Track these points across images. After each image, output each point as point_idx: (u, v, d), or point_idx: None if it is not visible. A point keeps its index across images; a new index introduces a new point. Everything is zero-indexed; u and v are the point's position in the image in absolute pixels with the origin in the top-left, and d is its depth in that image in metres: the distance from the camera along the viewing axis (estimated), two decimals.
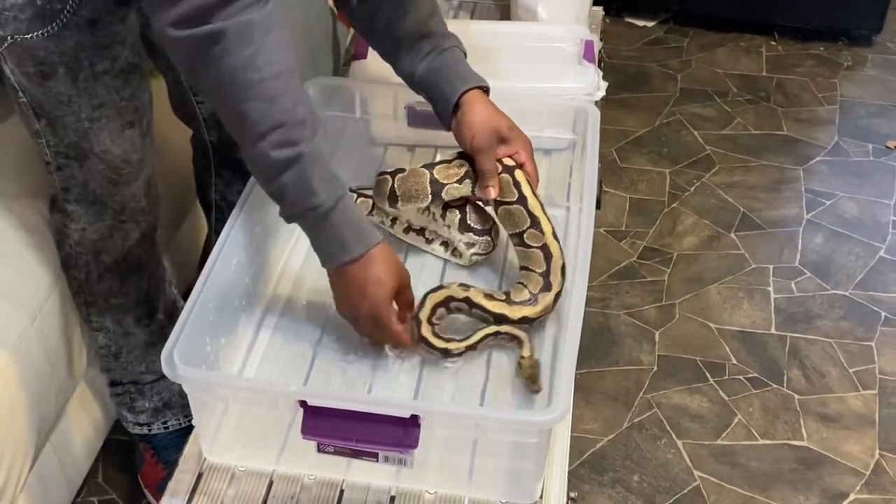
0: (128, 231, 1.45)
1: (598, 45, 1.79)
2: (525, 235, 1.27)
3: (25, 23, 1.19)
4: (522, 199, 1.27)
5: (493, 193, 1.27)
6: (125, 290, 1.51)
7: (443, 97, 1.30)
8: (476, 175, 1.29)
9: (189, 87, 1.55)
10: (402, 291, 1.18)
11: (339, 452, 1.04)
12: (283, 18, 1.07)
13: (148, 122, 1.40)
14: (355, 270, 1.13)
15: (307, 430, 1.02)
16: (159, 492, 1.11)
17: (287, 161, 1.07)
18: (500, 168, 1.28)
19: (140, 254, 1.49)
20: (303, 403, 1.02)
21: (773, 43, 3.07)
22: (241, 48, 1.03)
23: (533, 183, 1.30)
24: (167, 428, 1.65)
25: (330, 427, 1.02)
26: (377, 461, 1.04)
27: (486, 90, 1.31)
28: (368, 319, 1.15)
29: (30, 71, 1.25)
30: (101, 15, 1.22)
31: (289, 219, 1.13)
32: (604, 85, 1.64)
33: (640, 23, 3.16)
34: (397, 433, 1.01)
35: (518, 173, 1.28)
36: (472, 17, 2.10)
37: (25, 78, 1.26)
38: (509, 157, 1.29)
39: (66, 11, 1.20)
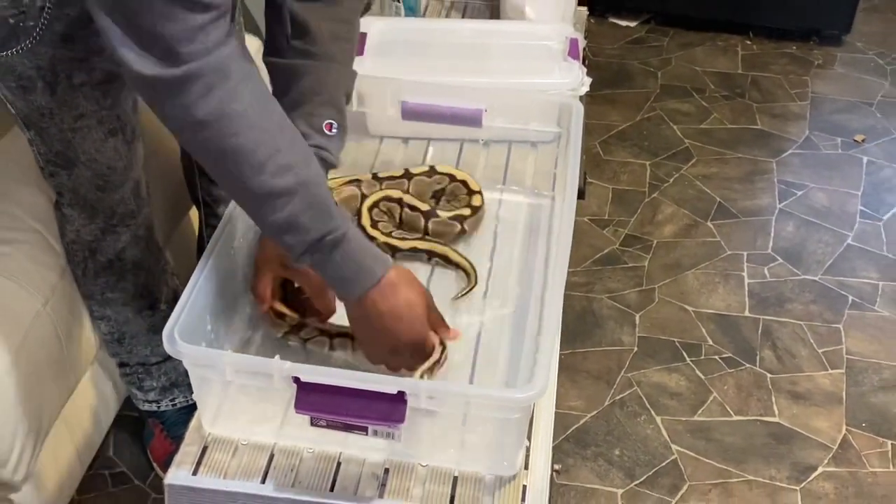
0: (119, 233, 1.44)
1: (582, 44, 1.79)
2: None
3: (0, 40, 1.18)
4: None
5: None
6: (122, 286, 1.50)
7: None
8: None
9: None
10: (431, 310, 1.09)
11: (331, 426, 1.04)
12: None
13: (133, 129, 1.36)
14: (384, 294, 1.04)
15: (300, 405, 1.02)
16: (167, 465, 1.11)
17: (292, 187, 0.99)
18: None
19: (135, 253, 1.48)
20: (296, 380, 1.02)
21: (749, 42, 3.07)
22: (223, 83, 0.95)
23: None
24: (175, 405, 1.65)
25: (322, 402, 1.02)
26: (367, 434, 1.04)
27: None
28: (408, 347, 1.07)
29: (11, 85, 1.24)
30: (75, 29, 1.18)
31: (304, 252, 1.02)
32: (588, 81, 1.64)
33: (623, 22, 3.16)
34: (385, 408, 1.00)
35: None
36: (463, 16, 2.10)
37: (9, 92, 1.25)
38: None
39: (38, 28, 1.17)
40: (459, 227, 1.34)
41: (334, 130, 1.16)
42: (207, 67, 0.94)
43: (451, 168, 1.42)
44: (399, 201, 1.36)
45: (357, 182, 1.38)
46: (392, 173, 1.41)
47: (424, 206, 1.35)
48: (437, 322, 1.10)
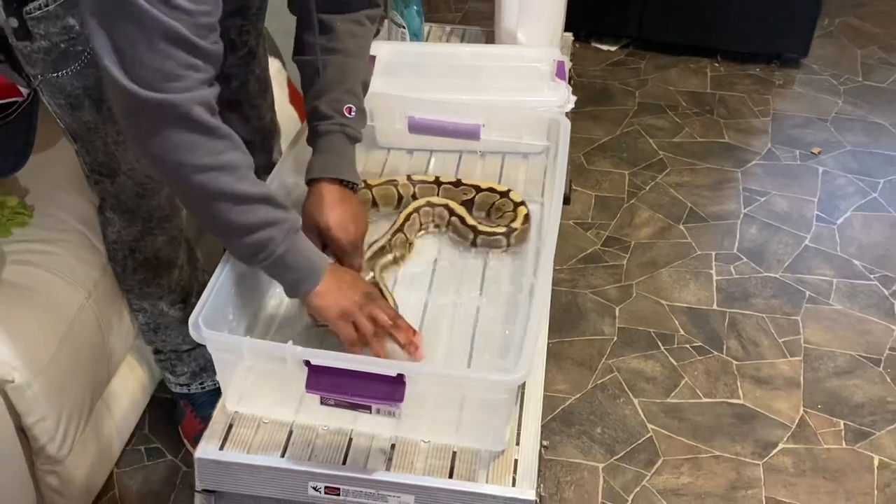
0: (156, 235, 1.44)
1: (568, 66, 1.79)
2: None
3: (52, 63, 1.19)
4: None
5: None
6: (158, 282, 1.50)
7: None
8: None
9: None
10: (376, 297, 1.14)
11: (338, 405, 1.04)
12: None
13: None
14: (336, 271, 1.10)
15: (310, 386, 1.02)
16: (196, 441, 1.11)
17: (265, 194, 1.03)
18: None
19: (169, 252, 1.48)
20: (307, 363, 1.02)
21: (717, 64, 3.07)
22: (209, 114, 0.98)
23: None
24: (203, 388, 1.65)
25: (330, 383, 1.02)
26: (370, 413, 1.04)
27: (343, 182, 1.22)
28: (371, 293, 1.11)
29: (61, 102, 1.24)
30: None
31: (278, 243, 1.05)
32: (573, 99, 1.64)
33: (604, 47, 3.16)
34: (386, 389, 1.01)
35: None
36: (462, 41, 2.10)
37: (59, 108, 1.26)
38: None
39: (86, 53, 1.19)
40: (506, 241, 1.32)
41: (353, 113, 1.24)
42: (192, 100, 0.95)
43: (480, 180, 1.40)
44: (447, 208, 1.34)
45: (394, 182, 1.40)
46: (424, 178, 1.41)
47: (471, 221, 1.33)
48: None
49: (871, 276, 2.16)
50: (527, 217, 1.34)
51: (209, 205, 1.02)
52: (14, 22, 1.15)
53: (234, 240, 1.06)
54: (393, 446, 1.09)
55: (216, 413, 1.14)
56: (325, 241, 1.19)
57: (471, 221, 1.33)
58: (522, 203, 1.36)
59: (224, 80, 1.04)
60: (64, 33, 1.16)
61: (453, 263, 1.35)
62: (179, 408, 1.70)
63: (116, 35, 0.91)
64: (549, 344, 1.37)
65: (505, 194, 1.38)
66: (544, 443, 1.73)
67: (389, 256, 1.29)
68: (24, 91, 1.35)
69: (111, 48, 0.92)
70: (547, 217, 1.34)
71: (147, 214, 1.41)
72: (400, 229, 1.31)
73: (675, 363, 1.92)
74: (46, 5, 1.14)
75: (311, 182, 1.21)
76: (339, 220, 1.18)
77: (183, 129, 0.96)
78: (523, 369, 0.99)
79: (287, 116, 1.87)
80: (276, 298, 1.27)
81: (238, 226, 1.04)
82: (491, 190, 1.39)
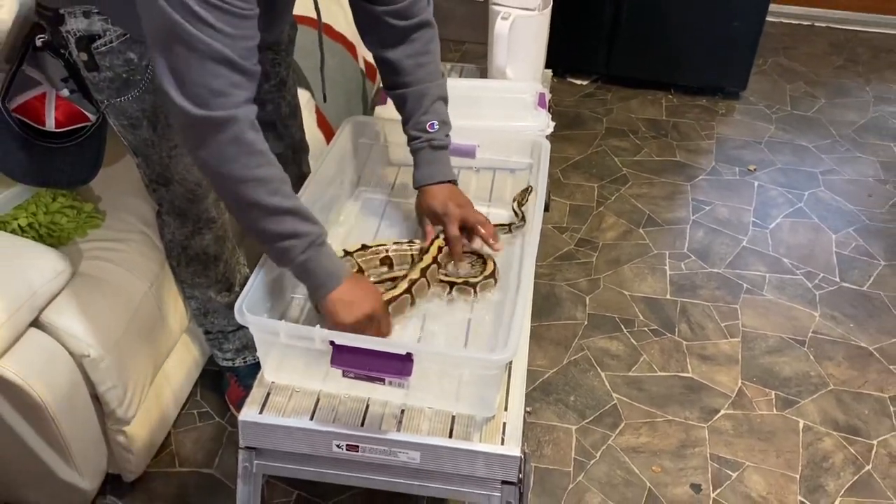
0: (204, 234, 1.43)
1: (548, 97, 1.79)
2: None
3: (116, 90, 1.19)
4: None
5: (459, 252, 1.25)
6: (207, 273, 1.49)
7: (414, 178, 1.30)
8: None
9: None
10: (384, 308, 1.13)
11: (358, 377, 1.04)
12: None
13: None
14: (351, 278, 1.08)
15: (335, 361, 1.02)
16: (240, 407, 1.11)
17: (294, 206, 1.03)
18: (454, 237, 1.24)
19: (216, 248, 1.47)
20: (332, 343, 1.02)
21: (670, 96, 3.07)
22: (251, 129, 0.98)
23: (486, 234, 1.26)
24: (246, 362, 1.65)
25: (351, 360, 1.02)
26: (384, 384, 1.04)
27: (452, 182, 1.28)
28: (380, 310, 1.09)
29: (124, 123, 1.24)
30: None
31: (301, 252, 1.04)
32: (552, 124, 1.64)
33: (578, 81, 3.15)
34: (397, 365, 1.01)
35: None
36: (460, 76, 2.09)
37: (122, 128, 1.25)
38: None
39: (144, 81, 1.19)
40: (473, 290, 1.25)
41: (435, 127, 1.28)
42: (240, 116, 0.96)
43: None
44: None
45: (377, 251, 1.29)
46: (400, 250, 1.30)
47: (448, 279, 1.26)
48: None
49: (798, 272, 2.16)
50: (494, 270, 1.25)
51: (244, 211, 1.03)
52: (84, 56, 1.16)
53: (264, 244, 1.06)
54: (403, 412, 1.09)
55: (256, 383, 1.13)
56: (452, 222, 1.25)
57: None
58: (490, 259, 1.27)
59: (259, 104, 1.04)
60: (125, 65, 1.16)
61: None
62: (225, 379, 1.69)
63: (172, 59, 0.92)
64: (531, 327, 1.37)
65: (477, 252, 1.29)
66: (527, 409, 1.72)
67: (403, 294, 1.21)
68: (92, 117, 1.35)
69: (168, 70, 0.93)
70: (529, 222, 1.34)
71: (196, 217, 1.40)
72: (411, 285, 1.21)
73: (635, 343, 1.92)
74: (111, 42, 1.14)
75: (419, 187, 1.30)
76: (455, 203, 1.26)
77: (224, 142, 0.96)
78: (511, 351, 0.99)
79: (315, 139, 1.86)
80: (304, 290, 1.26)
81: (267, 232, 1.03)
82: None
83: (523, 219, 1.35)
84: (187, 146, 1.00)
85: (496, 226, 1.32)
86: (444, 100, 1.31)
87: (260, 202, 1.00)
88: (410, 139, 1.30)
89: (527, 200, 1.36)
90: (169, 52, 0.92)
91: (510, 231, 1.35)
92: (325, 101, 1.55)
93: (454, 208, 1.26)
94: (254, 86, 0.98)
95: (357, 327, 1.07)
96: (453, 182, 1.31)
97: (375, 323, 1.10)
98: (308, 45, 1.60)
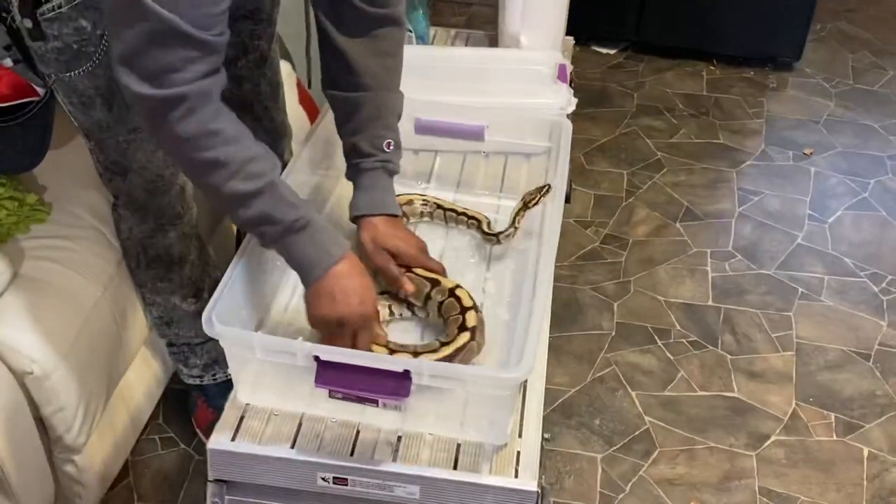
0: (167, 231, 1.43)
1: (569, 68, 1.78)
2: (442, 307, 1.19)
3: (65, 63, 1.19)
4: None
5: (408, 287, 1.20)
6: (170, 277, 1.49)
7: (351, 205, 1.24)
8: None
9: None
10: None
11: (346, 398, 1.03)
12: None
13: None
14: (341, 271, 1.06)
15: (319, 380, 1.02)
16: (209, 432, 1.11)
17: (261, 189, 1.02)
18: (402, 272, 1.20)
19: (181, 248, 1.47)
20: (316, 358, 1.01)
21: (712, 68, 3.06)
22: (205, 107, 0.97)
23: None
24: (216, 379, 1.65)
25: (338, 378, 1.02)
26: (377, 406, 1.04)
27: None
28: (358, 318, 1.07)
29: (74, 101, 1.24)
30: None
31: (277, 237, 1.05)
32: (574, 101, 1.63)
33: (604, 50, 3.15)
34: (393, 384, 1.00)
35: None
36: (466, 44, 2.09)
37: (73, 107, 1.25)
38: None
39: (98, 54, 1.18)
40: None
41: (392, 147, 1.23)
42: (192, 93, 0.96)
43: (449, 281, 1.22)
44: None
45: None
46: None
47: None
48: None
49: (861, 274, 2.15)
50: (473, 332, 1.13)
51: (212, 197, 1.06)
52: (29, 23, 1.16)
53: (245, 228, 1.08)
54: (399, 438, 1.08)
55: (228, 405, 1.13)
56: (399, 264, 1.21)
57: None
58: (473, 307, 1.16)
59: (236, 82, 1.04)
60: (76, 34, 1.16)
61: (458, 259, 1.34)
62: (192, 399, 1.69)
63: (119, 30, 0.93)
64: (550, 339, 1.36)
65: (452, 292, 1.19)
66: (545, 435, 1.72)
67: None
68: (41, 91, 1.34)
69: (116, 42, 0.94)
70: (548, 216, 1.33)
71: (158, 212, 1.40)
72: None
73: (671, 357, 1.92)
74: (59, 7, 1.14)
75: (358, 217, 1.22)
76: (404, 242, 1.22)
77: (175, 121, 0.97)
78: (526, 367, 0.99)
79: (297, 117, 1.86)
80: (288, 294, 1.26)
81: (239, 218, 1.05)
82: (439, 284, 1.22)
83: (516, 228, 1.31)
84: (146, 129, 1.00)
85: (486, 234, 1.33)
86: (400, 116, 1.27)
87: (220, 188, 1.01)
88: (360, 155, 1.22)
89: (537, 202, 1.31)
90: (115, 21, 0.93)
91: (498, 241, 1.33)
92: (309, 86, 1.55)
93: (417, 252, 1.21)
94: (215, 57, 0.98)
95: (329, 327, 1.07)
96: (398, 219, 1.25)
97: (365, 326, 1.08)
98: (290, 9, 1.60)
